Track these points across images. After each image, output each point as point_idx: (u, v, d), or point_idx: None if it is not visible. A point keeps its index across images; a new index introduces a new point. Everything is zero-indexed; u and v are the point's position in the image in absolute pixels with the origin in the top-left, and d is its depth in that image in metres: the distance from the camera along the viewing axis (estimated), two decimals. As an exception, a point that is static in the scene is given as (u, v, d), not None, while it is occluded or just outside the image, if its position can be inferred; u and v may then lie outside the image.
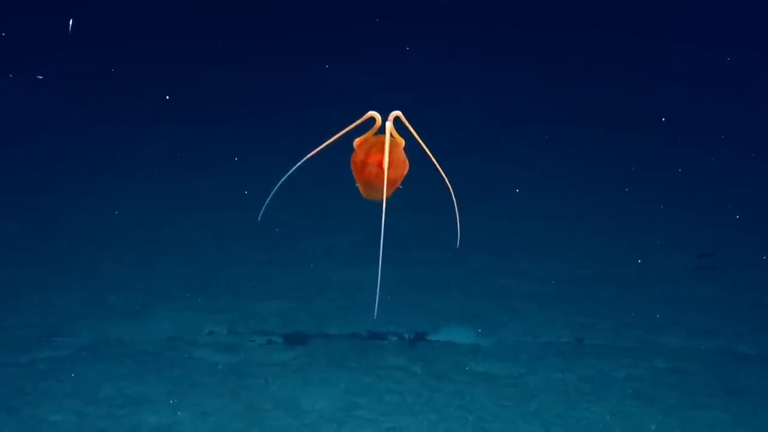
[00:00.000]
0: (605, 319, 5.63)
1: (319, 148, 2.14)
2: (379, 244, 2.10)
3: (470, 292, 5.93)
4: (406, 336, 5.49)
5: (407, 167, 2.15)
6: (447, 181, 2.22)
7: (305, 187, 6.86)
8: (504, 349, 5.37)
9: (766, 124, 8.34)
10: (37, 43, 9.42)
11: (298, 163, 2.19)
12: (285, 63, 9.44)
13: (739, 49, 9.58)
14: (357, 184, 2.20)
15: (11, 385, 4.96)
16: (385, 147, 2.02)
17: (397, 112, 2.04)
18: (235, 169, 7.41)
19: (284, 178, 2.24)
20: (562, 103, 8.80)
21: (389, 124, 2.03)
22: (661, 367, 5.24)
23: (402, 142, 2.11)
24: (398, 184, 2.17)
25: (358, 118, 2.06)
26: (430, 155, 2.12)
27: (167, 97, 8.42)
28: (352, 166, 2.14)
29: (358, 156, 2.12)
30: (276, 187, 2.30)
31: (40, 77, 8.83)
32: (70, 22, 8.52)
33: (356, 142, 2.12)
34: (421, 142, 2.09)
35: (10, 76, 8.77)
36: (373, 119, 2.05)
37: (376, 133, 2.09)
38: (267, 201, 2.39)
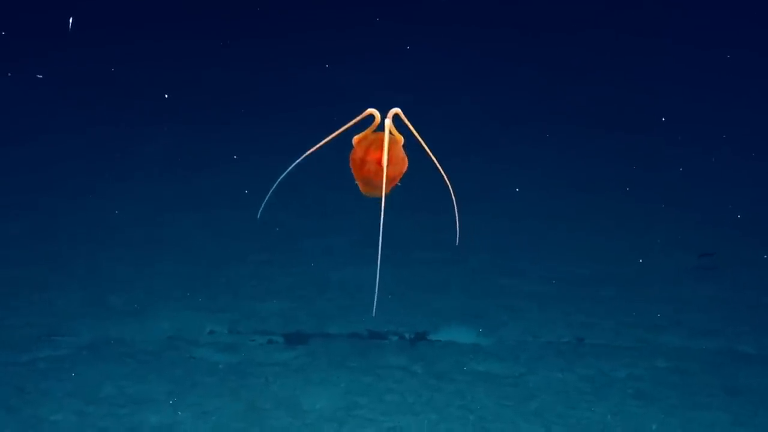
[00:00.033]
0: (606, 319, 5.63)
1: (317, 146, 2.14)
2: (378, 241, 2.09)
3: (471, 292, 5.93)
4: (407, 336, 5.49)
5: (406, 164, 2.15)
6: (446, 180, 2.22)
7: (305, 187, 6.86)
8: (504, 349, 5.37)
9: (766, 123, 8.33)
10: (37, 43, 9.41)
11: (297, 161, 2.18)
12: (285, 62, 9.43)
13: (739, 48, 9.58)
14: (356, 182, 2.19)
15: (12, 384, 4.96)
16: (384, 144, 2.02)
17: (396, 110, 2.03)
18: (235, 168, 7.41)
19: (283, 175, 2.24)
20: (562, 102, 8.80)
21: (388, 122, 2.02)
22: (662, 366, 5.24)
23: (401, 139, 2.11)
24: (397, 181, 2.17)
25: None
26: (430, 153, 2.12)
27: (166, 96, 8.41)
28: (350, 164, 2.14)
29: (357, 153, 2.12)
30: (275, 185, 2.29)
31: (40, 76, 8.83)
32: (70, 21, 8.51)
33: (355, 139, 2.12)
34: (420, 139, 2.09)
35: (9, 75, 8.76)
36: (372, 116, 2.05)
37: (375, 131, 2.09)
38: (266, 199, 2.38)
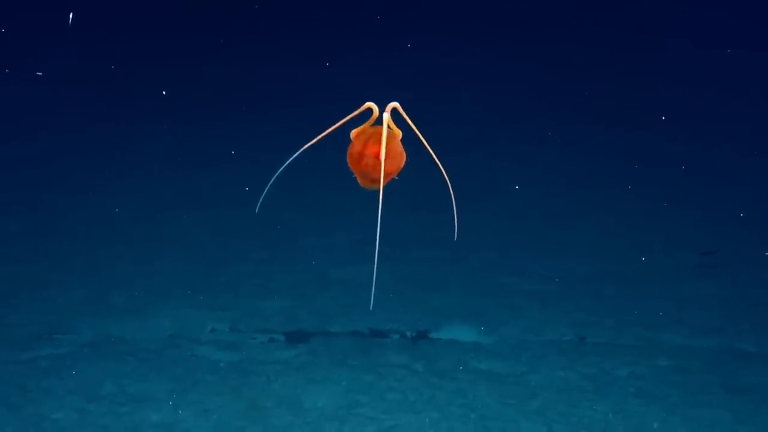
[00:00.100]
0: (607, 317, 5.63)
1: (315, 140, 2.13)
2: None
3: (471, 290, 5.92)
4: (408, 334, 5.49)
5: (404, 159, 2.14)
6: (445, 176, 2.21)
7: (306, 185, 6.86)
8: (506, 348, 5.36)
9: None
10: (37, 41, 9.40)
11: (294, 155, 2.17)
12: (286, 60, 9.43)
13: (740, 46, 9.58)
14: (353, 174, 2.19)
15: (13, 382, 4.95)
16: (382, 138, 2.02)
17: (395, 104, 2.03)
18: (236, 166, 7.40)
19: (281, 169, 2.23)
20: (562, 100, 8.79)
21: (386, 116, 2.02)
22: (663, 365, 5.24)
23: (399, 133, 2.10)
24: (395, 175, 2.16)
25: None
26: (428, 148, 2.11)
27: (164, 93, 8.40)
28: (348, 158, 2.13)
29: (355, 147, 2.11)
30: (272, 179, 2.28)
31: (40, 74, 8.82)
32: (70, 17, 8.50)
33: (353, 133, 2.11)
34: (418, 133, 2.09)
35: (6, 71, 8.74)
36: (370, 110, 2.05)
37: (373, 125, 2.08)
38: (264, 192, 2.38)
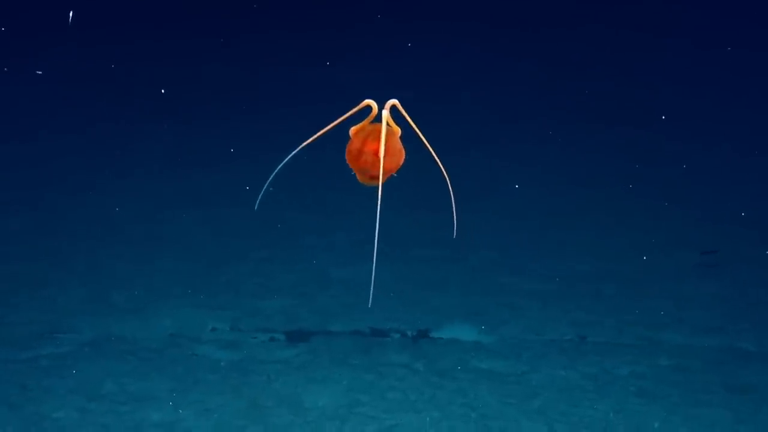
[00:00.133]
0: (608, 317, 5.63)
1: (314, 137, 2.12)
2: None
3: (472, 290, 5.92)
4: (409, 333, 5.49)
5: (403, 156, 2.14)
6: (444, 172, 2.21)
7: (306, 184, 6.86)
8: (507, 347, 5.36)
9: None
10: (37, 40, 9.39)
11: (293, 152, 2.17)
12: (286, 59, 9.42)
13: (740, 45, 9.57)
14: (353, 171, 2.18)
15: (14, 381, 4.95)
16: (381, 136, 2.01)
17: (394, 101, 2.02)
18: (236, 165, 7.39)
19: (279, 166, 2.22)
20: (562, 99, 8.79)
21: (386, 113, 2.01)
22: (664, 364, 5.24)
23: (398, 131, 2.10)
24: (394, 172, 2.16)
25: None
26: (428, 146, 2.11)
27: (162, 91, 8.39)
28: (347, 155, 2.13)
29: (354, 144, 2.11)
30: (272, 176, 2.28)
31: (40, 73, 8.82)
32: (70, 15, 8.50)
33: (352, 130, 2.11)
34: (418, 131, 2.08)
35: (5, 69, 8.74)
36: (369, 108, 2.04)
37: (372, 122, 2.08)
38: (264, 189, 2.37)
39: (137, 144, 7.80)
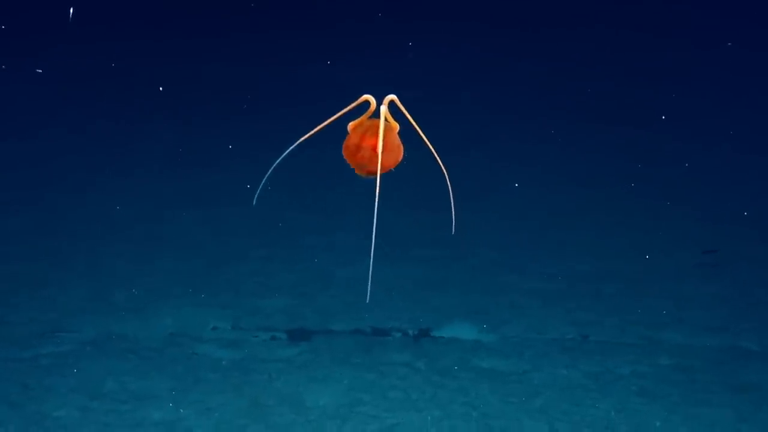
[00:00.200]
0: (609, 316, 5.62)
1: (311, 132, 2.12)
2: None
3: (473, 289, 5.92)
4: (410, 332, 5.48)
5: (402, 152, 2.13)
6: (444, 171, 2.20)
7: (307, 183, 6.85)
8: (508, 346, 5.36)
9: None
10: (37, 39, 9.39)
11: (290, 147, 2.17)
12: (286, 58, 9.42)
13: (741, 44, 9.57)
14: (350, 165, 2.18)
15: (15, 380, 4.95)
16: (379, 131, 2.01)
17: (392, 96, 2.02)
18: (236, 164, 7.39)
19: (278, 161, 2.22)
20: (563, 98, 8.79)
21: (384, 108, 2.01)
22: (666, 363, 5.24)
23: (396, 126, 2.09)
24: (392, 168, 2.16)
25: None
26: (427, 142, 2.11)
27: (160, 89, 8.38)
28: (344, 150, 2.12)
29: (351, 140, 2.10)
30: (269, 171, 2.28)
31: (40, 71, 8.81)
32: (71, 13, 8.49)
33: (350, 125, 2.11)
34: (417, 127, 2.08)
35: (3, 67, 8.73)
36: (368, 103, 2.04)
37: (370, 117, 2.07)
38: (261, 184, 2.37)
39: (137, 143, 7.80)
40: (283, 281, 5.93)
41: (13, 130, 7.91)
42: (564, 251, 6.35)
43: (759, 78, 9.10)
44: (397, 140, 2.11)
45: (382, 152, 2.03)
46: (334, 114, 2.08)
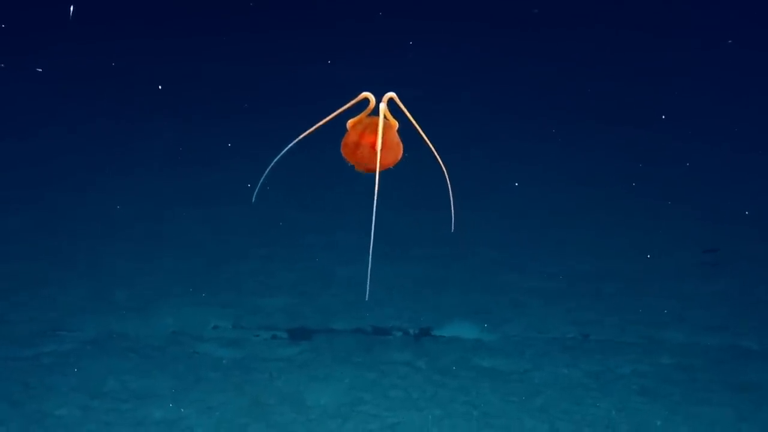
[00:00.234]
0: (610, 315, 5.63)
1: (310, 130, 2.12)
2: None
3: (473, 288, 5.92)
4: (411, 331, 5.48)
5: (401, 150, 2.13)
6: (444, 169, 2.20)
7: (307, 183, 6.85)
8: (509, 345, 5.36)
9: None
10: (37, 37, 9.38)
11: (289, 145, 2.17)
12: (287, 57, 9.41)
13: (741, 44, 9.57)
14: (349, 163, 2.17)
15: (16, 379, 4.95)
16: (378, 129, 2.00)
17: (391, 94, 2.02)
18: (237, 163, 7.38)
19: (277, 158, 2.22)
20: (563, 98, 8.78)
21: (383, 106, 2.01)
22: (667, 363, 5.24)
23: (396, 124, 2.09)
24: (391, 166, 2.15)
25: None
26: (427, 141, 2.11)
27: (159, 87, 8.38)
28: (343, 148, 2.12)
29: (350, 137, 2.10)
30: (268, 169, 2.28)
31: (40, 70, 8.80)
32: (71, 11, 8.48)
33: (349, 123, 2.10)
34: (416, 125, 2.08)
35: (3, 66, 8.72)
36: (367, 101, 2.04)
37: (369, 115, 2.07)
38: (260, 182, 2.37)
39: (138, 142, 7.80)
40: (284, 280, 5.93)
41: (13, 128, 7.90)
42: (565, 250, 6.35)
43: (759, 77, 9.10)
44: (396, 138, 2.10)
45: (381, 150, 2.02)
46: (335, 112, 2.08)
